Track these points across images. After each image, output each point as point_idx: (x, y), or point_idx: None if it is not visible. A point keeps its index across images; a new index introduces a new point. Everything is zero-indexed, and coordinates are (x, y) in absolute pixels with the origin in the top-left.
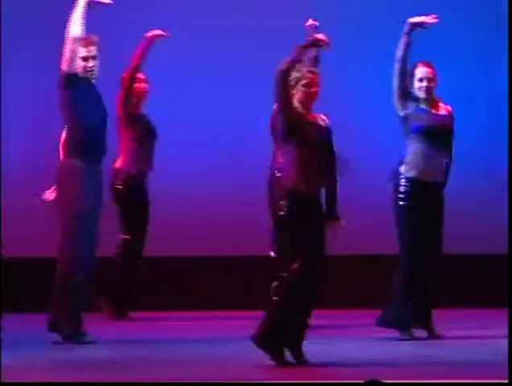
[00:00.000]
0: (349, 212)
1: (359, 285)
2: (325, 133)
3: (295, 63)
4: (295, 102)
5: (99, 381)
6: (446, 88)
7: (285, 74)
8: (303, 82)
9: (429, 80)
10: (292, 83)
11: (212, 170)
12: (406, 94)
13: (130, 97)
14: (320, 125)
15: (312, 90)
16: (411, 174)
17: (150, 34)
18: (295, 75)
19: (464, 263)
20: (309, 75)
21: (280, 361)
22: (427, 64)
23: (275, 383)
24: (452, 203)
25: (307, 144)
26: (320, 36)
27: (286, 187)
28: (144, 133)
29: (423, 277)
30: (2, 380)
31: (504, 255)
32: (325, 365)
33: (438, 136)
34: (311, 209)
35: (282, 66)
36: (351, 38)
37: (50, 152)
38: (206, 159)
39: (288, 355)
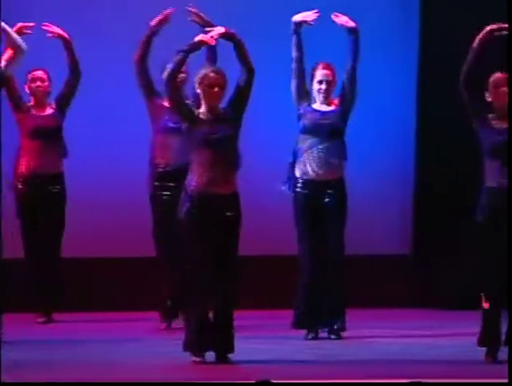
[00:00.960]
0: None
1: (273, 285)
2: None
3: (179, 66)
4: (202, 101)
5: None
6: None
7: (170, 77)
8: (206, 82)
9: (328, 82)
10: (198, 82)
11: None
12: (304, 94)
13: (15, 96)
14: (224, 121)
15: (215, 90)
16: (299, 174)
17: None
18: (199, 75)
19: (367, 264)
20: (212, 75)
21: (200, 361)
22: (327, 66)
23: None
24: (357, 205)
25: (201, 144)
26: (200, 37)
27: (189, 188)
28: (32, 132)
29: (318, 276)
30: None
31: (405, 255)
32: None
33: (321, 134)
34: (213, 210)
35: (167, 71)
36: (254, 37)
37: None
38: None
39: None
